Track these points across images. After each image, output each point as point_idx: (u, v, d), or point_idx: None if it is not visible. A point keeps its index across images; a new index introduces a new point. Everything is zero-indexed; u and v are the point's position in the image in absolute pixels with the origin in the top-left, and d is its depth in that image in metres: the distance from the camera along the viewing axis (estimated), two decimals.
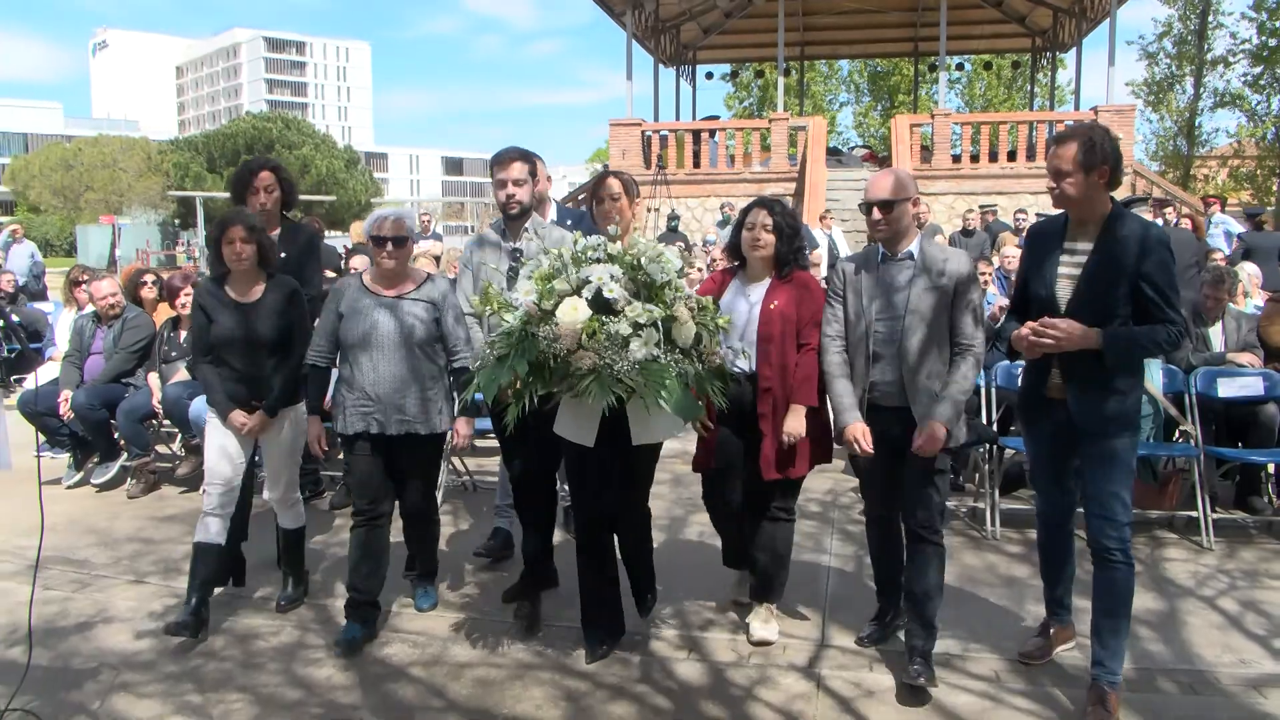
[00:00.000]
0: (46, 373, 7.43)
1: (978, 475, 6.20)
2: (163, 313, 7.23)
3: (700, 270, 8.76)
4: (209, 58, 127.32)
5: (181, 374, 6.49)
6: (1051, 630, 4.06)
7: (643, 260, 3.72)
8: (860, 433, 3.89)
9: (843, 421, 3.94)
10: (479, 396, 3.89)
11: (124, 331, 6.82)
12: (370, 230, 4.31)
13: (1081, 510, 3.77)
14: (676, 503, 6.19)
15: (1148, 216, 9.17)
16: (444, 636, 4.37)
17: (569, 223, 4.80)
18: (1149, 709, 3.65)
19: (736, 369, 4.06)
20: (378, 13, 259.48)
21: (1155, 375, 5.71)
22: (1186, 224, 11.93)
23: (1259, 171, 27.65)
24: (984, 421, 5.95)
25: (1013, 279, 6.75)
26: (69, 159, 59.89)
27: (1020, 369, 4.48)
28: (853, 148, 28.10)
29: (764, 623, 4.31)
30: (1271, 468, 6.08)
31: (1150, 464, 5.84)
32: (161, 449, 7.22)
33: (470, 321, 4.43)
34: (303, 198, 44.24)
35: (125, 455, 6.80)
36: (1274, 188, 26.72)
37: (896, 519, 4.09)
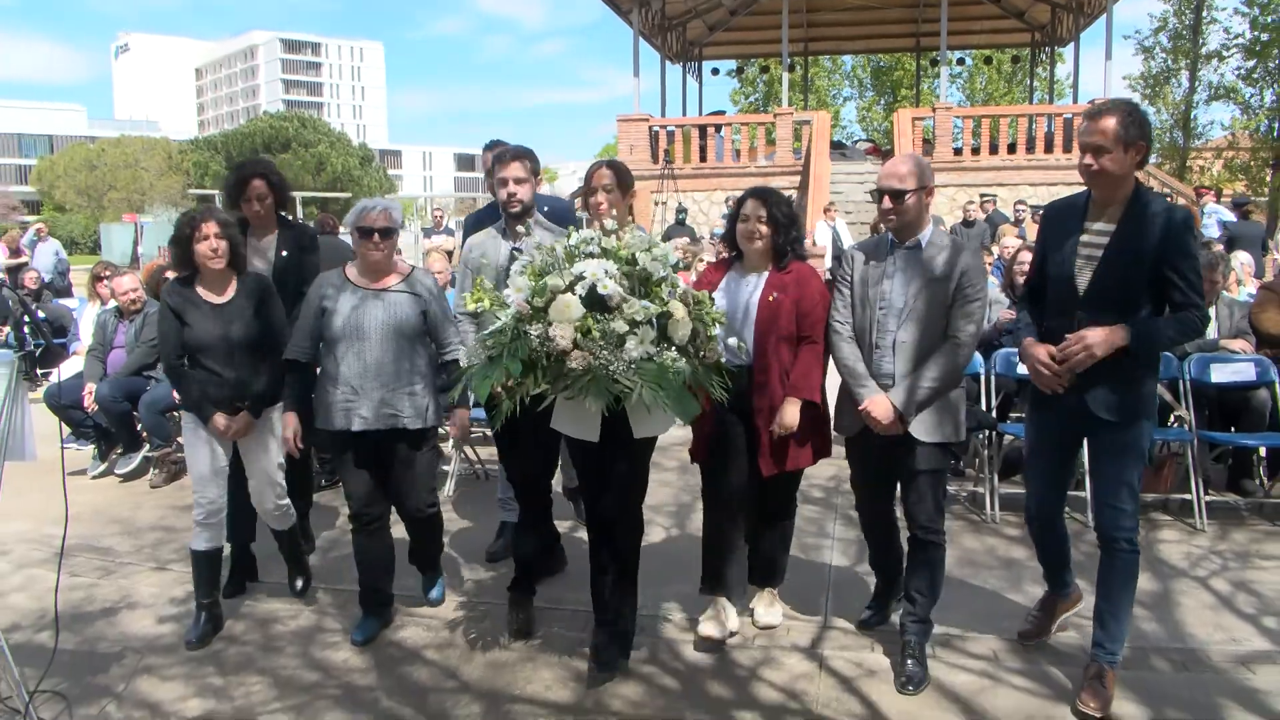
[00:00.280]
0: (71, 367, 7.49)
1: (978, 460, 6.19)
2: None
3: (704, 262, 8.75)
4: (227, 59, 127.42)
5: None
6: (1055, 603, 4.00)
7: (638, 255, 3.54)
8: (879, 406, 3.71)
9: (860, 398, 3.77)
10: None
11: (145, 326, 6.85)
12: (357, 221, 4.09)
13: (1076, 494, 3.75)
14: (684, 489, 6.19)
15: None
16: (456, 620, 4.40)
17: (544, 209, 4.61)
18: (1143, 686, 3.66)
19: (734, 365, 3.81)
20: (390, 13, 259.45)
21: None
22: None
23: (1253, 163, 27.57)
24: (983, 408, 5.95)
25: (1013, 269, 6.75)
26: (92, 159, 60.04)
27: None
28: (856, 141, 28.03)
29: (768, 607, 4.30)
30: (1263, 451, 6.07)
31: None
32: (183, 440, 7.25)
33: (466, 326, 4.22)
34: (318, 195, 44.39)
35: (147, 446, 6.83)
36: (1267, 178, 26.66)
37: (887, 508, 4.03)
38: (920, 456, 3.76)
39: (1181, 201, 14.28)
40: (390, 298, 4.11)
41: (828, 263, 15.39)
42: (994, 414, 5.98)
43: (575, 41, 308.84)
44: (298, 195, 36.65)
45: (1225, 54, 26.94)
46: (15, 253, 14.77)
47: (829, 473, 6.55)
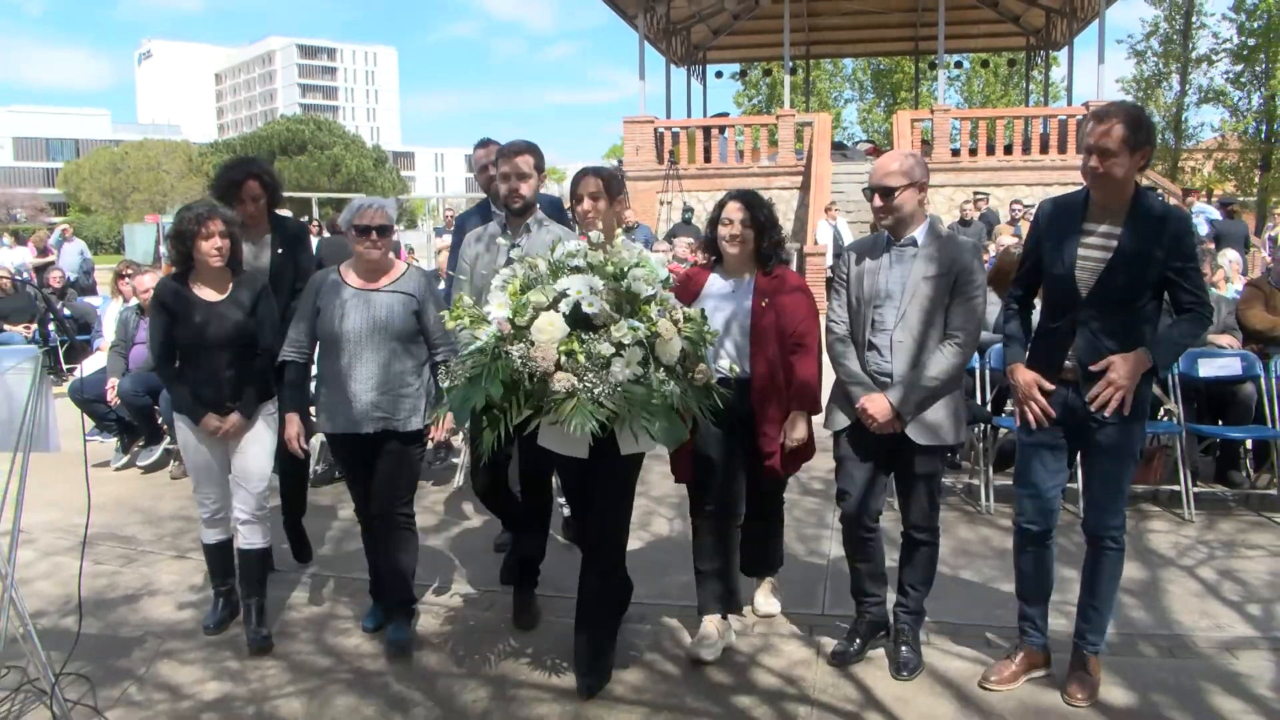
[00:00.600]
0: (94, 362, 7.52)
1: (973, 453, 6.20)
2: None
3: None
4: (246, 65, 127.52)
5: None
6: (1020, 654, 3.61)
7: (626, 271, 3.29)
8: (876, 404, 3.53)
9: (856, 397, 3.60)
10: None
11: None
12: (352, 219, 3.89)
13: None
14: None
15: None
16: (463, 608, 4.42)
17: (552, 212, 4.37)
18: (1129, 670, 3.66)
19: (724, 374, 3.63)
20: (404, 19, 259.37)
21: None
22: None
23: (1241, 164, 27.69)
24: (978, 402, 5.95)
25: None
26: (116, 162, 60.33)
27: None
28: (857, 142, 27.99)
29: (767, 596, 4.26)
30: (1249, 444, 6.07)
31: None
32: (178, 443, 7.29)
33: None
34: (333, 195, 44.41)
35: (168, 439, 6.86)
36: (1255, 179, 26.69)
37: (873, 520, 3.75)
38: (918, 461, 3.63)
39: (1173, 201, 14.31)
40: (383, 298, 3.92)
41: (829, 261, 15.39)
42: (989, 408, 5.98)
43: (583, 45, 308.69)
44: (313, 196, 36.73)
45: (1214, 58, 27.09)
46: (43, 252, 14.84)
47: (829, 465, 6.53)
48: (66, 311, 10.78)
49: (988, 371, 6.05)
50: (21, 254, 15.26)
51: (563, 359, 3.10)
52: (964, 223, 13.80)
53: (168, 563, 5.04)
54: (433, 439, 4.07)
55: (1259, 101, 26.83)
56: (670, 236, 12.82)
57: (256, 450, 4.05)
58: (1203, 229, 12.76)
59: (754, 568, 4.23)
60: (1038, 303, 3.64)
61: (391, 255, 4.09)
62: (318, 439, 5.42)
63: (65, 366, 10.03)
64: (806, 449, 3.93)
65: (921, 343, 3.56)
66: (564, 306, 3.17)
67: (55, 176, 73.61)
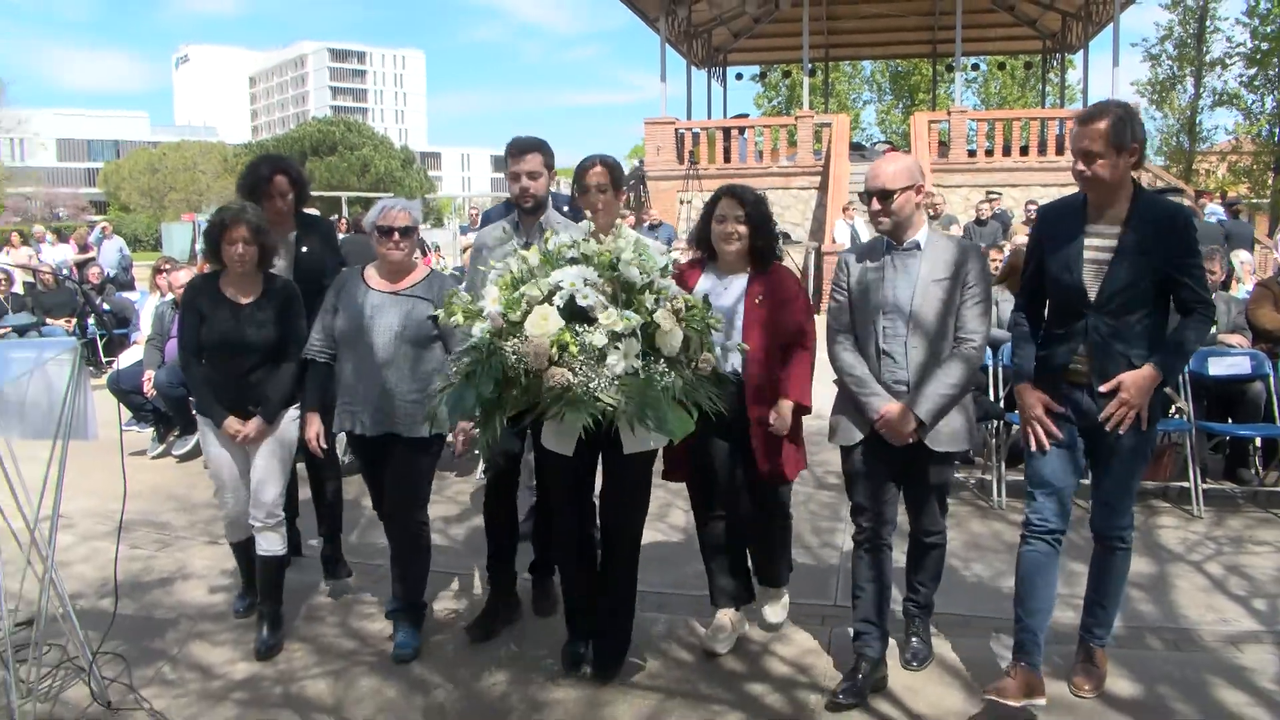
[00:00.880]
0: (131, 355, 7.61)
1: (985, 449, 6.18)
2: None
3: None
4: (279, 68, 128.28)
5: None
6: (1013, 673, 3.28)
7: (619, 259, 3.09)
8: (898, 413, 3.33)
9: (873, 407, 3.37)
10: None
11: None
12: (376, 220, 3.79)
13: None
14: None
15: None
16: (485, 595, 4.42)
17: (565, 209, 4.21)
18: (1136, 663, 3.64)
19: (728, 369, 3.48)
20: (431, 23, 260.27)
21: None
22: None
23: (1255, 166, 27.42)
24: (990, 398, 5.93)
25: None
26: (154, 163, 60.94)
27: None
28: (875, 143, 27.80)
29: (774, 607, 3.96)
30: (1258, 441, 6.01)
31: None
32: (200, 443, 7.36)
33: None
34: (362, 194, 44.63)
35: None
36: (1269, 181, 26.45)
37: (889, 534, 3.55)
38: (934, 470, 3.48)
39: (1186, 201, 14.24)
40: (403, 301, 3.80)
41: None
42: (1001, 404, 5.96)
43: (606, 47, 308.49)
44: (343, 195, 36.91)
45: (1228, 61, 26.88)
46: (83, 249, 15.02)
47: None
48: (105, 306, 10.92)
49: (1000, 368, 6.03)
50: (63, 251, 15.44)
51: (555, 353, 2.94)
52: (979, 222, 13.69)
53: (200, 548, 5.11)
54: (457, 454, 3.93)
55: (1272, 105, 26.60)
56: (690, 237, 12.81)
57: (274, 456, 3.93)
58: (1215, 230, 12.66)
59: (760, 577, 3.96)
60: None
61: (416, 257, 4.01)
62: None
63: (104, 359, 10.17)
64: (795, 454, 3.69)
65: (936, 348, 3.39)
66: (558, 299, 3.00)
67: (96, 176, 74.39)
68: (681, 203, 20.03)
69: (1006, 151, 19.31)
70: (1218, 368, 5.75)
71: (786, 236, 17.36)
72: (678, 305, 3.11)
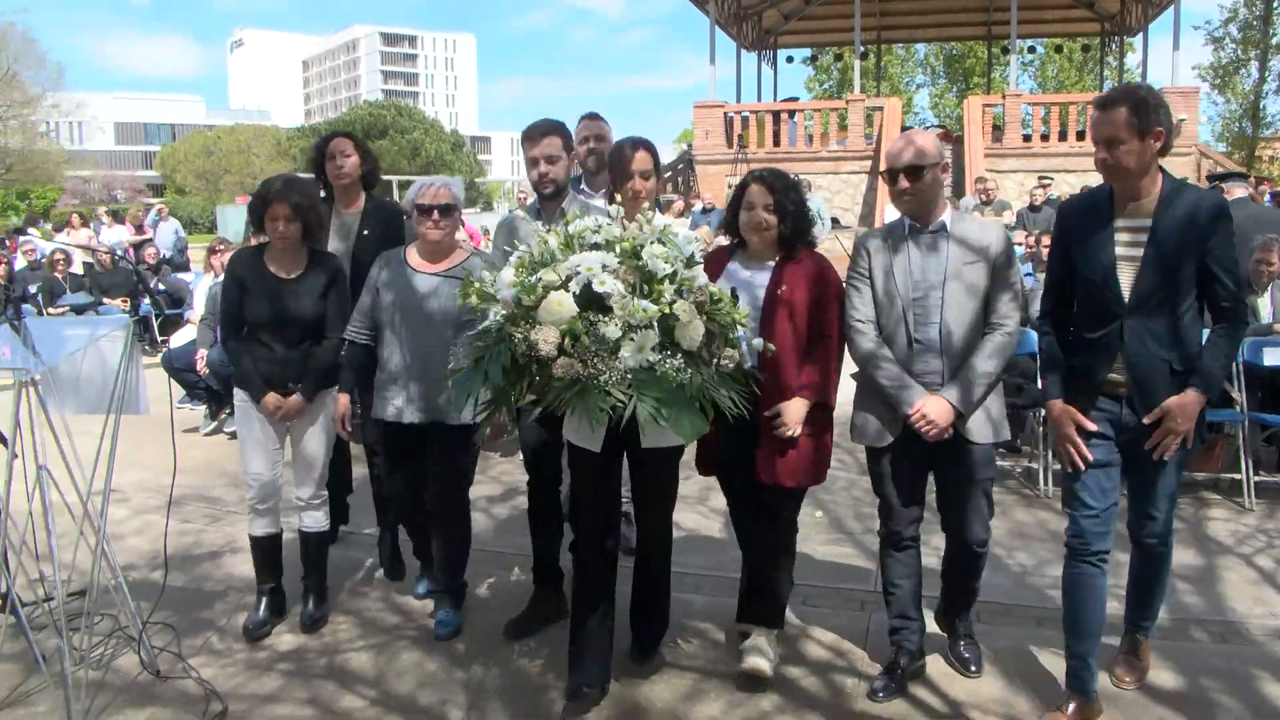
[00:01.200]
0: (185, 334, 7.79)
1: (1034, 438, 6.10)
2: None
3: None
4: (332, 52, 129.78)
5: None
6: (1073, 705, 3.12)
7: (643, 246, 2.91)
8: (935, 407, 3.16)
9: (908, 401, 3.18)
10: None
11: None
12: (415, 198, 3.70)
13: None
14: None
15: (1242, 193, 8.73)
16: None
17: (583, 187, 4.07)
18: (1180, 655, 3.59)
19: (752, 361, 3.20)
20: (483, 7, 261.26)
21: None
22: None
23: None
24: (1038, 386, 5.84)
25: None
26: (209, 146, 62.17)
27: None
28: (928, 127, 27.44)
29: (765, 651, 3.50)
30: None
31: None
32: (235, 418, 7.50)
33: None
34: (412, 178, 44.84)
35: None
36: None
37: (918, 534, 3.44)
38: (978, 463, 3.26)
39: (1247, 188, 13.89)
40: (443, 284, 3.70)
41: None
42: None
43: (655, 31, 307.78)
44: (394, 179, 37.28)
45: None
46: (139, 230, 15.35)
47: None
48: (160, 286, 11.17)
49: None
50: (120, 232, 15.78)
51: (564, 343, 2.76)
52: (1033, 208, 13.44)
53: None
54: (483, 446, 3.82)
55: None
56: None
57: (317, 435, 3.89)
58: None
59: (758, 617, 3.59)
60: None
61: (461, 237, 3.90)
62: None
63: (159, 339, 10.41)
64: (807, 462, 3.37)
65: (971, 335, 3.22)
66: (575, 285, 2.81)
67: (153, 159, 75.96)
68: (730, 187, 19.94)
69: (1062, 136, 18.89)
70: (1273, 358, 5.60)
71: (836, 222, 17.19)
72: (701, 298, 2.89)
